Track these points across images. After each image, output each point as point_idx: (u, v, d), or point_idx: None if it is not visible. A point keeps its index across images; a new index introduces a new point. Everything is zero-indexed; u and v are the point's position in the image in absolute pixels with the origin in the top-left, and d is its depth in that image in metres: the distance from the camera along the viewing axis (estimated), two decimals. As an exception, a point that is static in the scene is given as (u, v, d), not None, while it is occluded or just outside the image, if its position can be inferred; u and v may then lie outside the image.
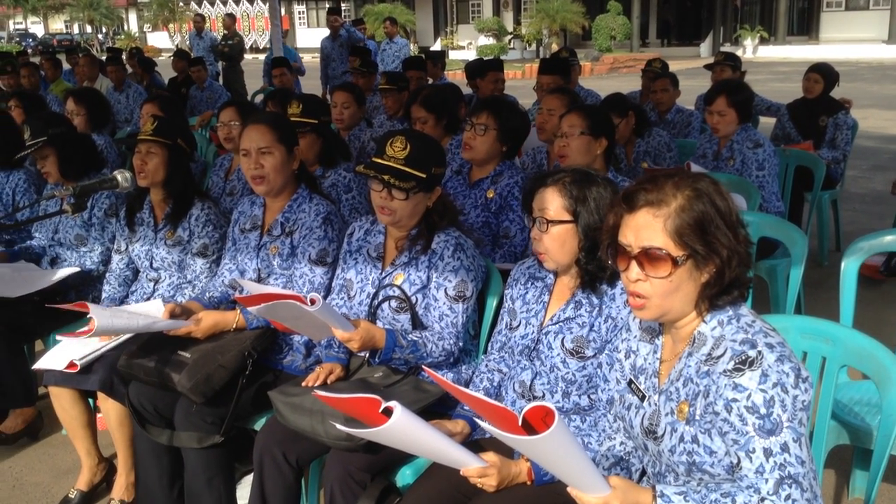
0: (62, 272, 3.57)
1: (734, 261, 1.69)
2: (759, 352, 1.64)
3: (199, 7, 38.99)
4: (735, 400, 1.63)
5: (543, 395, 2.31)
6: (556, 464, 1.64)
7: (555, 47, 26.25)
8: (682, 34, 32.12)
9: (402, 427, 1.77)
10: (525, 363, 2.38)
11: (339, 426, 1.99)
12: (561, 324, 2.31)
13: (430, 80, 7.77)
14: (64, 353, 3.09)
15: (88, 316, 2.61)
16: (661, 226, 1.68)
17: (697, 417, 1.71)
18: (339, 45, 11.34)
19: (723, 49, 22.87)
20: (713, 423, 1.68)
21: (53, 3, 52.17)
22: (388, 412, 1.77)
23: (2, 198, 4.15)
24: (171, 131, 3.28)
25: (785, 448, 1.60)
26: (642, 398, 1.87)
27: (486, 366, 2.54)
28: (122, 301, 3.46)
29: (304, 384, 2.57)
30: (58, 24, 58.37)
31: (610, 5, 27.74)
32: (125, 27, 46.89)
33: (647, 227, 1.69)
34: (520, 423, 1.55)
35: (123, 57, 10.36)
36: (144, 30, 45.65)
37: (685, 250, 1.67)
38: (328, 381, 2.60)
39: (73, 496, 3.28)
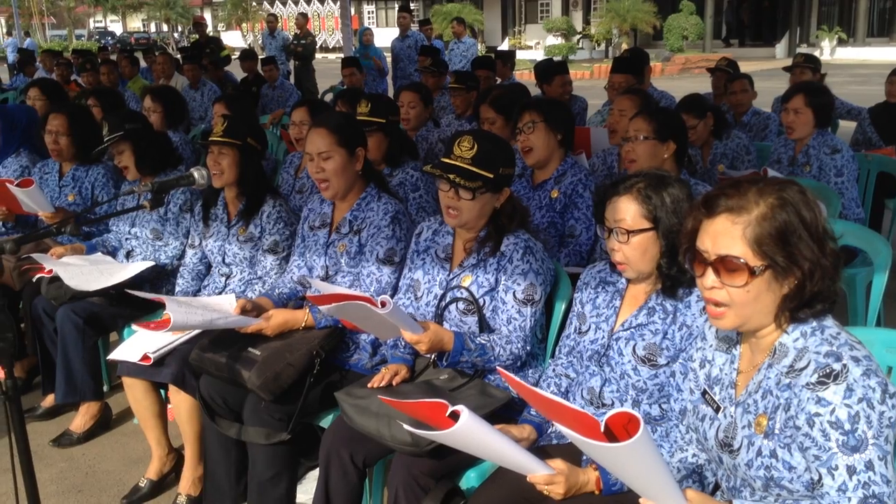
0: (138, 266, 3.65)
1: (817, 274, 1.62)
2: (845, 365, 1.58)
3: (272, 7, 39.66)
4: (818, 414, 1.57)
5: (612, 403, 2.27)
6: (633, 474, 1.59)
7: (624, 47, 25.98)
8: (756, 34, 31.35)
9: (469, 431, 1.76)
10: (594, 369, 2.34)
11: (405, 426, 1.99)
12: (633, 330, 2.26)
13: (499, 80, 7.75)
14: (138, 345, 3.16)
15: (165, 312, 2.67)
16: (740, 233, 1.62)
17: (777, 431, 1.65)
18: (407, 45, 11.39)
19: (799, 50, 22.28)
20: (793, 438, 1.62)
21: (132, 1, 53.74)
22: (454, 416, 1.76)
23: (81, 192, 4.28)
24: (240, 131, 3.32)
25: (870, 466, 1.53)
26: (717, 409, 1.82)
27: (554, 370, 2.51)
28: (195, 295, 3.52)
29: (369, 385, 2.58)
30: (136, 23, 60.10)
31: (682, 5, 27.26)
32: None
33: (725, 234, 1.64)
34: (602, 429, 1.51)
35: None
36: (219, 29, 46.67)
37: (764, 260, 1.61)
38: (393, 383, 2.60)
39: (143, 485, 3.35)
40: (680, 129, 3.47)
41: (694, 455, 1.98)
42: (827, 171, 4.31)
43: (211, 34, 18.30)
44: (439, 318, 2.67)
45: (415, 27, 12.94)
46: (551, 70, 6.61)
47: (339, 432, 2.59)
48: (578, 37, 31.28)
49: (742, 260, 1.62)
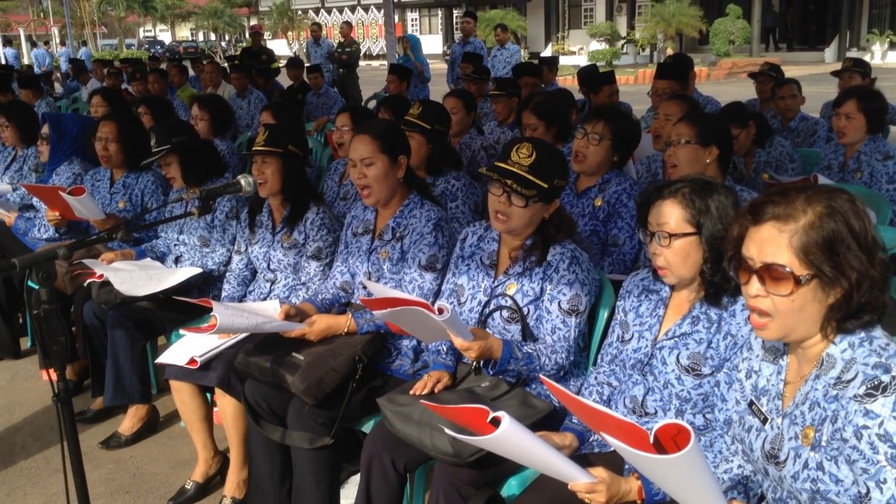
0: (186, 272, 3.72)
1: (864, 285, 1.59)
2: (894, 377, 1.54)
3: (317, 15, 40.09)
4: (866, 427, 1.54)
5: (655, 412, 2.25)
6: (680, 486, 1.57)
7: (669, 52, 25.69)
8: (805, 38, 30.81)
9: (510, 437, 1.76)
10: (637, 378, 2.32)
11: (447, 430, 1.99)
12: (676, 339, 2.24)
13: (542, 86, 7.72)
14: (185, 348, 3.22)
15: (211, 314, 2.71)
16: (787, 242, 1.60)
17: (824, 444, 1.63)
18: (468, 51, 11.40)
19: (849, 54, 21.85)
20: (840, 451, 1.59)
21: (180, 11, 54.80)
22: (495, 422, 1.76)
23: (132, 199, 4.37)
24: (281, 139, 3.36)
25: (919, 481, 1.50)
26: (764, 421, 1.79)
27: (596, 378, 2.49)
28: (241, 300, 3.58)
29: (411, 392, 2.59)
30: (184, 32, 61.20)
31: (729, 9, 26.90)
32: (246, 35, 48.88)
33: (771, 242, 1.62)
34: (651, 440, 1.50)
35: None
36: (265, 37, 47.37)
37: (810, 270, 1.59)
38: (436, 390, 2.60)
39: (189, 487, 3.41)
40: (723, 135, 3.41)
41: (739, 466, 1.96)
42: (878, 177, 4.23)
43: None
44: (482, 324, 2.67)
45: (458, 34, 12.97)
46: (599, 79, 6.57)
47: (380, 437, 2.60)
48: (623, 42, 31.04)
49: (788, 269, 1.59)
